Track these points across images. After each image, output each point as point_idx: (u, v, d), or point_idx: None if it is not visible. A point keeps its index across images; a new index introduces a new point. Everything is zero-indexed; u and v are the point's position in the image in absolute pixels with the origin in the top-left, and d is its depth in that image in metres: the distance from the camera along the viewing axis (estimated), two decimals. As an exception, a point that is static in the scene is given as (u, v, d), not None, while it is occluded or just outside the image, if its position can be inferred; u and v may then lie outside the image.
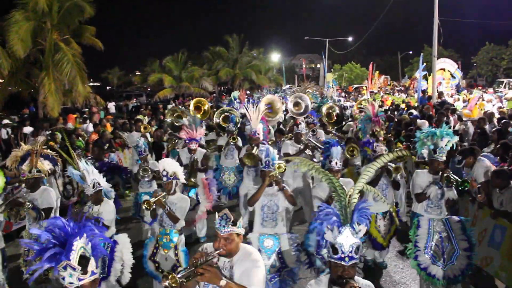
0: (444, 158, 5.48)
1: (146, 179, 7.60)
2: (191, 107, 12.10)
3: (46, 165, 6.19)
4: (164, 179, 5.42)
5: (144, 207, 5.16)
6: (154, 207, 5.19)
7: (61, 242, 2.40)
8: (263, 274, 3.21)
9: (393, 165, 6.50)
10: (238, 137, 9.00)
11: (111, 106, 25.15)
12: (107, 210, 5.21)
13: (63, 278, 2.41)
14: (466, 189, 5.50)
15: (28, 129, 13.73)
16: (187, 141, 7.83)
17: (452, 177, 5.34)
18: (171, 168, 5.45)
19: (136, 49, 71.25)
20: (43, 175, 6.01)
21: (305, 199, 8.11)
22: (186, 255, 5.30)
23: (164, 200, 5.20)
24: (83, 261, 2.46)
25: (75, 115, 17.97)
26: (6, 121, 15.90)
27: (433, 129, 5.61)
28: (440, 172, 5.43)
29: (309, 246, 5.29)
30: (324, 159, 5.88)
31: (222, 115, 10.99)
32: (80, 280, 2.43)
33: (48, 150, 7.10)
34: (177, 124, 11.16)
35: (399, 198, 7.82)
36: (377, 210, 6.42)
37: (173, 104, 20.06)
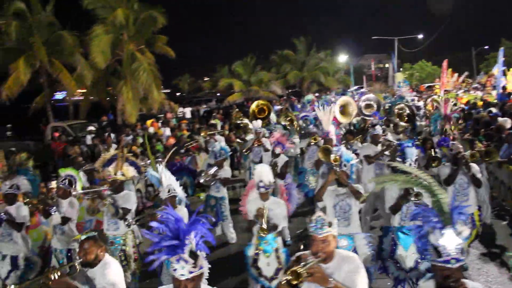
0: None
1: (208, 181, 7.57)
2: (253, 112, 12.34)
3: (131, 171, 6.45)
4: (262, 190, 5.26)
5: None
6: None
7: (176, 235, 2.53)
8: (366, 276, 3.15)
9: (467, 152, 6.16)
10: (320, 138, 8.77)
11: (187, 111, 25.97)
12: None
13: (175, 270, 2.55)
14: None
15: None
16: (275, 144, 7.93)
17: None
18: (267, 177, 5.31)
19: (205, 55, 72.99)
20: (127, 179, 6.35)
21: (381, 201, 7.97)
22: (287, 255, 5.26)
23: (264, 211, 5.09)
24: (193, 255, 2.57)
25: (151, 121, 18.83)
26: (90, 127, 16.88)
27: None
28: None
29: (382, 250, 5.24)
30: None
31: (288, 119, 11.30)
32: (190, 273, 2.55)
33: (134, 158, 7.50)
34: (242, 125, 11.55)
35: (482, 200, 7.40)
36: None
37: (236, 110, 20.48)
